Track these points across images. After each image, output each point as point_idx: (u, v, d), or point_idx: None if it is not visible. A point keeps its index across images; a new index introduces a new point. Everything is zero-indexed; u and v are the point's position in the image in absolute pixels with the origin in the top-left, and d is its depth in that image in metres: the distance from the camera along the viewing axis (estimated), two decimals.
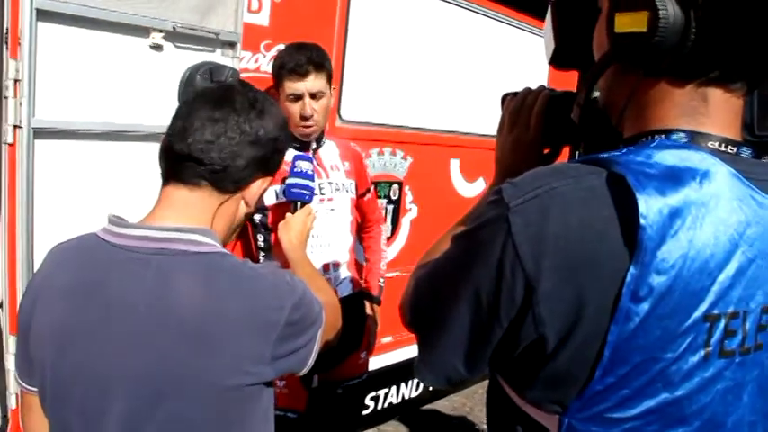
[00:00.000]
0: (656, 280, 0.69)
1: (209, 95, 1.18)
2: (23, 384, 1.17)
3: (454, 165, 3.75)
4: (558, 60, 1.02)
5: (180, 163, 1.13)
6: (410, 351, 3.64)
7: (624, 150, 0.77)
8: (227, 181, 1.15)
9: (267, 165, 1.22)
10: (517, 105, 1.08)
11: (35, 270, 1.91)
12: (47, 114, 1.91)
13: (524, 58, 4.04)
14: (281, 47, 2.45)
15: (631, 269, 0.69)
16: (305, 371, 1.20)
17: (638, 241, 0.69)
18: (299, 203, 1.92)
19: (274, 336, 1.07)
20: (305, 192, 1.94)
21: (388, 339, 3.43)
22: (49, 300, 1.09)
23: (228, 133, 1.13)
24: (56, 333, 1.07)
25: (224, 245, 1.17)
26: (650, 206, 0.69)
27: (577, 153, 1.09)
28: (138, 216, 1.16)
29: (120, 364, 1.03)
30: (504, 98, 1.14)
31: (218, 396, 1.04)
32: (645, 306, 0.70)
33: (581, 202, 0.74)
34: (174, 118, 1.17)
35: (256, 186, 1.22)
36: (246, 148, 1.15)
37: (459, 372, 0.86)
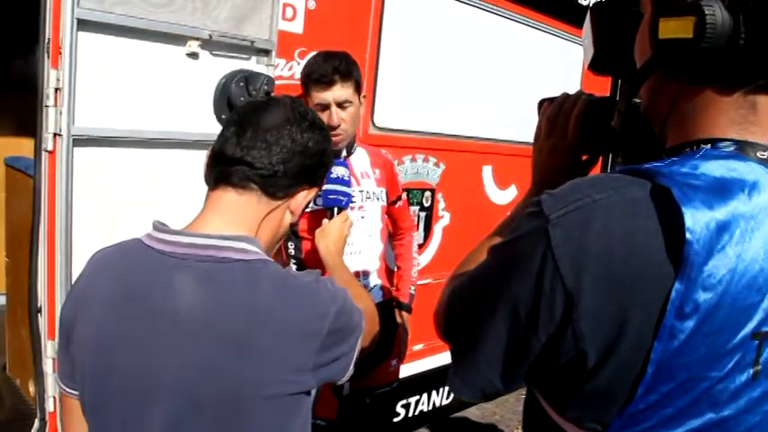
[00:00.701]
0: (703, 296, 0.67)
1: (262, 105, 1.22)
2: (64, 387, 1.17)
3: (486, 171, 3.73)
4: (597, 66, 1.00)
5: (230, 166, 1.15)
6: (441, 359, 3.61)
7: (668, 161, 0.75)
8: (276, 187, 1.17)
9: (314, 175, 1.25)
10: (554, 111, 1.06)
11: (73, 277, 1.95)
12: (86, 122, 1.94)
13: (558, 64, 4.02)
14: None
15: (676, 285, 0.67)
16: (344, 379, 1.19)
17: (683, 256, 0.67)
18: (335, 209, 1.92)
19: (317, 344, 1.06)
20: (341, 198, 1.94)
21: (419, 347, 3.41)
22: (92, 306, 1.09)
23: (281, 141, 1.17)
24: (98, 340, 1.07)
25: (268, 254, 1.17)
26: (697, 220, 0.67)
27: (615, 161, 1.07)
28: (176, 223, 1.17)
29: (161, 372, 1.03)
30: (541, 104, 1.12)
31: (260, 404, 1.03)
32: (690, 323, 0.68)
33: (624, 215, 0.72)
34: (226, 124, 1.20)
35: (302, 196, 1.23)
36: (296, 157, 1.18)
37: (494, 386, 0.84)
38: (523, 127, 3.68)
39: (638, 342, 0.70)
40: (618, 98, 0.98)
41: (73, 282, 1.92)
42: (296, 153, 1.18)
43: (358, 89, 2.21)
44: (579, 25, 4.06)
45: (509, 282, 0.79)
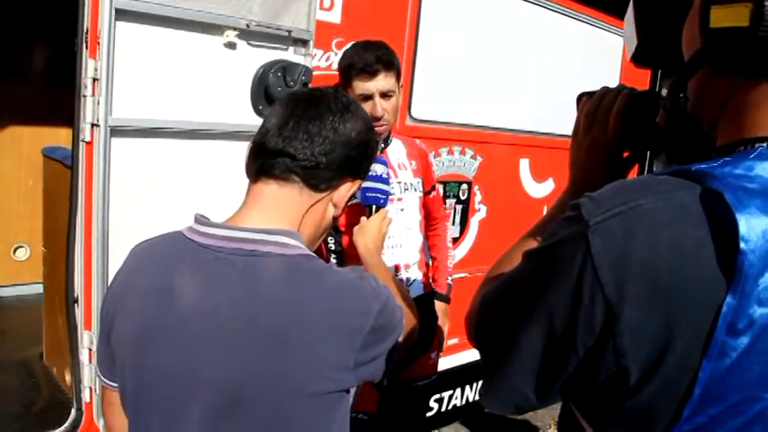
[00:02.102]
0: (758, 311, 0.61)
1: (303, 96, 1.19)
2: (104, 380, 1.17)
3: (524, 164, 3.66)
4: (640, 59, 0.94)
5: (272, 158, 1.13)
6: (475, 353, 3.53)
7: (720, 161, 0.68)
8: (318, 179, 1.14)
9: (357, 168, 1.21)
10: (594, 106, 1.00)
11: (110, 268, 1.96)
12: (123, 113, 1.93)
13: (596, 55, 3.93)
14: None
15: (728, 299, 0.62)
16: (380, 377, 1.16)
17: (737, 267, 0.61)
18: (373, 207, 1.88)
19: (359, 342, 1.04)
20: (380, 195, 1.90)
21: (453, 341, 3.36)
22: (133, 299, 1.09)
23: (323, 132, 1.14)
24: (138, 334, 1.06)
25: (310, 249, 1.15)
26: (752, 227, 0.61)
27: (657, 159, 1.01)
28: (215, 216, 1.15)
29: (202, 368, 1.01)
30: (580, 98, 1.06)
31: (300, 402, 1.01)
32: (744, 340, 0.62)
33: (671, 222, 0.66)
34: (268, 116, 1.17)
35: (345, 189, 1.20)
36: (339, 148, 1.15)
37: (529, 400, 0.79)
38: (561, 119, 3.66)
39: (684, 359, 0.65)
40: (661, 92, 0.93)
41: (110, 273, 1.96)
42: (339, 144, 1.15)
43: (399, 78, 2.17)
44: (619, 15, 4.08)
45: (545, 290, 0.73)
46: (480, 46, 3.23)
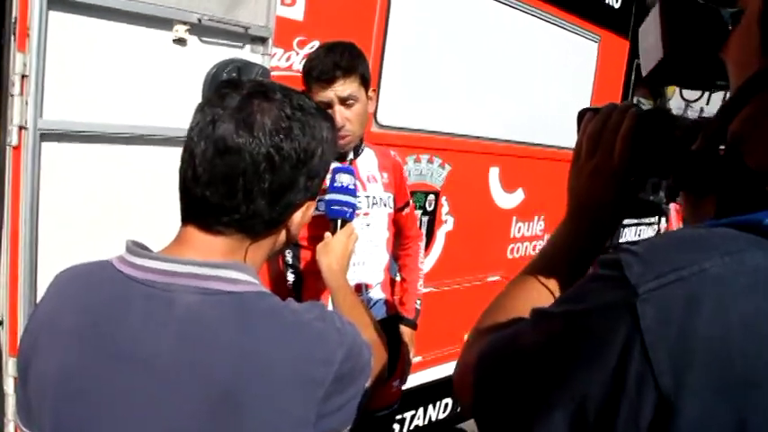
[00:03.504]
0: None
1: (228, 109, 0.94)
2: (22, 428, 1.00)
3: (493, 173, 3.54)
4: (660, 75, 0.81)
5: (196, 207, 0.96)
6: (439, 371, 3.45)
7: None
8: (259, 226, 0.98)
9: (309, 190, 1.02)
10: (598, 126, 0.87)
11: (39, 288, 1.76)
12: (55, 114, 1.73)
13: (569, 60, 3.85)
14: (316, 44, 2.28)
15: None
16: (351, 425, 1.02)
17: None
18: (339, 222, 1.71)
19: (320, 393, 0.91)
20: (346, 209, 1.74)
21: (416, 359, 3.22)
22: (53, 341, 0.92)
23: (255, 167, 0.93)
24: (58, 382, 0.90)
25: (262, 264, 1.04)
26: None
27: (651, 181, 0.88)
28: (160, 233, 1.01)
29: (136, 427, 0.87)
30: (582, 115, 0.93)
31: None
32: None
33: (745, 291, 0.52)
34: (187, 141, 0.97)
35: (299, 216, 1.04)
36: (278, 178, 0.95)
37: None
38: (532, 127, 3.62)
39: None
40: (670, 110, 0.82)
41: (39, 292, 1.76)
42: (277, 173, 0.94)
43: (365, 84, 2.01)
44: (593, 20, 4.02)
45: (573, 369, 0.58)
46: (451, 48, 3.11)
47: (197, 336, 0.88)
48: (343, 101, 1.96)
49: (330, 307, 1.73)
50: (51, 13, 1.66)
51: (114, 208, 1.87)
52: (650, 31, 0.80)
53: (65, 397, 0.89)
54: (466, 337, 0.88)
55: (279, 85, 1.02)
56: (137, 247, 0.95)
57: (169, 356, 0.87)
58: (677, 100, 4.78)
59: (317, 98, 1.92)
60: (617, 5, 4.11)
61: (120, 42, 1.80)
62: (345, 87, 1.95)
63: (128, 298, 0.91)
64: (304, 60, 2.06)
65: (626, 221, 4.82)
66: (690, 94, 1.14)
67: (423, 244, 2.54)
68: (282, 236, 1.06)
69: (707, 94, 1.06)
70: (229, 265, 0.93)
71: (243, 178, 0.92)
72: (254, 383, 0.86)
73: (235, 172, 0.92)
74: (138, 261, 0.93)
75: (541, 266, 0.88)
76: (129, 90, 1.85)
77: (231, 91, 0.96)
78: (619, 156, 0.84)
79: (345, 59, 1.95)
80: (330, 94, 1.94)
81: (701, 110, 2.35)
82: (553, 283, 0.86)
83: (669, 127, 0.80)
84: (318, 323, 0.95)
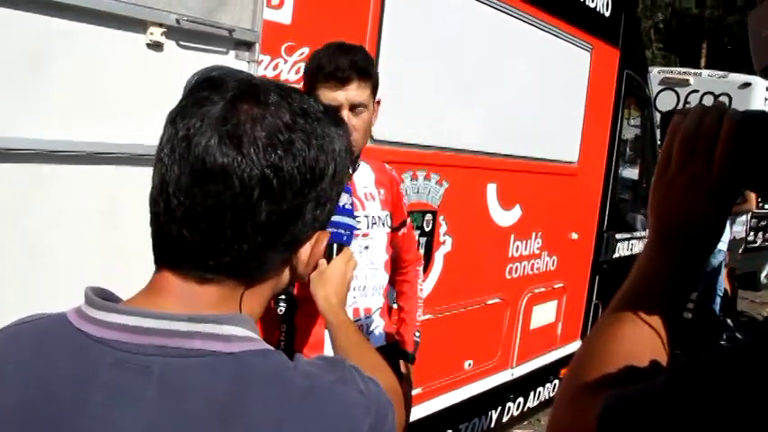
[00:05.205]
0: None
1: (207, 119, 0.72)
2: None
3: (491, 190, 3.38)
4: None
5: (173, 248, 0.74)
6: (439, 402, 3.26)
7: None
8: (255, 270, 0.77)
9: (318, 219, 0.80)
10: (690, 132, 0.76)
11: None
12: (7, 130, 1.49)
13: (564, 70, 3.76)
14: (306, 51, 2.10)
15: None
16: None
17: None
18: (335, 246, 1.51)
19: None
20: (342, 232, 1.55)
21: (416, 391, 3.01)
22: None
23: (246, 196, 0.71)
24: None
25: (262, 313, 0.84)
26: None
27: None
28: (125, 274, 0.83)
29: None
30: (667, 118, 0.82)
31: None
32: None
33: None
34: (156, 162, 0.75)
35: (306, 252, 0.82)
36: (280, 210, 0.74)
37: None
38: (528, 140, 3.51)
39: None
40: None
41: None
42: (276, 201, 0.73)
43: (375, 92, 1.85)
44: (586, 28, 3.92)
45: None
46: (447, 59, 2.97)
47: (176, 412, 0.68)
48: (354, 107, 1.78)
49: (328, 346, 1.52)
50: (3, 10, 1.44)
51: (76, 238, 1.64)
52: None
53: None
54: (555, 389, 0.70)
55: (274, 82, 0.80)
56: (98, 297, 0.74)
57: None
58: None
59: (322, 100, 1.73)
60: (607, 14, 4.02)
61: (86, 46, 1.59)
62: (360, 92, 1.78)
63: (89, 367, 0.70)
64: (307, 60, 1.88)
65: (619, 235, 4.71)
66: None
67: (421, 268, 2.36)
68: (285, 276, 0.84)
69: None
70: (220, 318, 0.72)
71: (231, 211, 0.71)
72: None
73: (220, 203, 0.71)
74: (101, 315, 0.72)
75: (636, 300, 0.78)
76: (94, 101, 1.64)
77: (211, 94, 0.74)
78: (719, 165, 0.74)
79: (363, 60, 1.79)
80: (341, 96, 1.76)
81: None
82: (656, 321, 0.76)
83: None
84: (339, 387, 0.75)
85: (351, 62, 1.74)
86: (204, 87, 0.75)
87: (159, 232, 0.74)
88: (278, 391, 0.71)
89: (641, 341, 0.75)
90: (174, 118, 0.74)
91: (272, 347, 0.75)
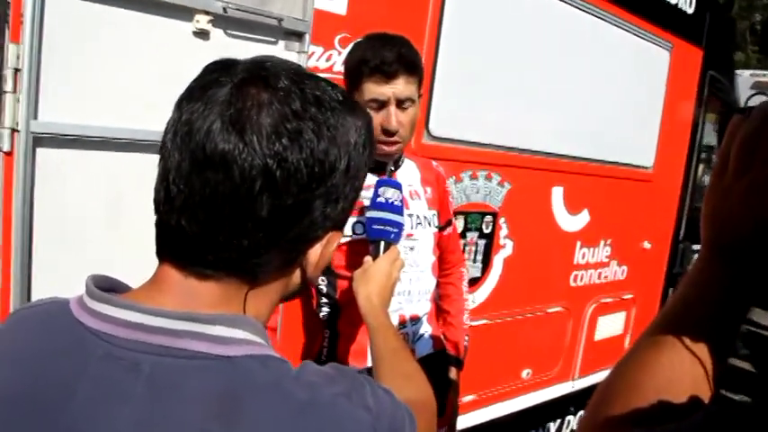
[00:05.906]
0: None
1: (212, 103, 0.68)
2: None
3: (557, 193, 3.24)
4: None
5: (172, 239, 0.71)
6: (494, 410, 3.15)
7: None
8: (259, 268, 0.73)
9: (330, 218, 0.75)
10: (753, 132, 0.68)
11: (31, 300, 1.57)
12: (52, 116, 1.53)
13: (641, 68, 3.57)
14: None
15: None
16: None
17: None
18: (381, 244, 1.46)
19: None
20: (390, 229, 1.50)
21: (468, 398, 2.93)
22: None
23: (246, 187, 0.67)
24: None
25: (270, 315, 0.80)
26: None
27: None
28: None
29: None
30: (727, 117, 0.70)
31: None
32: None
33: None
34: (160, 149, 0.72)
35: (316, 253, 0.78)
36: (284, 205, 0.69)
37: None
38: (600, 142, 3.36)
39: None
40: None
41: None
42: (280, 194, 0.68)
43: (420, 86, 1.76)
44: (665, 26, 3.71)
45: None
46: (514, 53, 2.84)
47: (163, 415, 0.64)
48: (401, 102, 1.70)
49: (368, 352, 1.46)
50: None
51: (116, 222, 1.67)
52: None
53: None
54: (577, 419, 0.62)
55: (289, 65, 0.74)
56: (99, 287, 0.71)
57: None
58: None
59: (368, 95, 1.69)
60: (690, 11, 3.80)
61: (131, 34, 1.60)
62: (407, 87, 1.70)
63: (82, 359, 0.67)
64: (349, 54, 1.80)
65: (695, 246, 4.46)
66: None
67: (465, 270, 2.26)
68: (296, 277, 0.80)
69: None
70: (216, 318, 0.68)
71: (230, 203, 0.66)
72: None
73: (218, 194, 0.66)
74: (98, 307, 0.70)
75: (680, 322, 0.70)
76: (139, 89, 1.64)
77: (220, 76, 0.70)
78: None
79: (409, 53, 1.70)
80: (388, 91, 1.68)
81: None
82: (700, 347, 0.68)
83: None
84: (342, 401, 0.69)
85: (398, 55, 1.66)
86: (214, 69, 0.72)
87: (160, 222, 0.72)
88: (274, 402, 0.66)
89: (680, 371, 0.68)
90: (181, 101, 0.71)
91: (275, 353, 0.71)
